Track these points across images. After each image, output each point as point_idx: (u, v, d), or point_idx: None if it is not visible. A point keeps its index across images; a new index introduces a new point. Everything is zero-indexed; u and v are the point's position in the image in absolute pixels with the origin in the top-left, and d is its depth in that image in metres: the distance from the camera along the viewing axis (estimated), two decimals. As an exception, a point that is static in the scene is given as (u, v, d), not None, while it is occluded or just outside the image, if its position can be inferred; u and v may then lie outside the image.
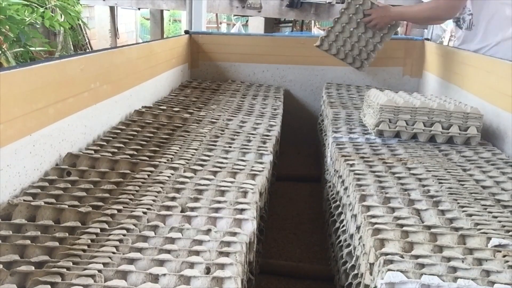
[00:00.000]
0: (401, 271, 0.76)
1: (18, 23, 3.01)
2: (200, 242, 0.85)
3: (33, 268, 0.75)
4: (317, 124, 2.30)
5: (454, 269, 0.79)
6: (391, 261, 0.79)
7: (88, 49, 6.90)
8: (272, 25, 8.40)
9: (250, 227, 0.92)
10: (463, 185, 1.16)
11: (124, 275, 0.74)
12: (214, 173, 1.20)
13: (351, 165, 1.28)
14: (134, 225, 0.90)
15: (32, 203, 0.95)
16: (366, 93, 1.75)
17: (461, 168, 1.29)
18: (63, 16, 3.72)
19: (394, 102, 1.54)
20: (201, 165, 1.24)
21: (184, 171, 1.20)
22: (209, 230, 0.89)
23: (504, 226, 0.93)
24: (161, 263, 0.78)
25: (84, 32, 6.87)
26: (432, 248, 0.85)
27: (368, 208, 1.01)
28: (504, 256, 0.82)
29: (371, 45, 2.31)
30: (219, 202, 1.02)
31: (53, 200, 0.99)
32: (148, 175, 1.16)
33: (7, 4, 3.01)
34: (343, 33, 2.31)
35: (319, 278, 1.48)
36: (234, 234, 0.88)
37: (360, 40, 2.30)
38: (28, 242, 0.82)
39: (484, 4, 1.92)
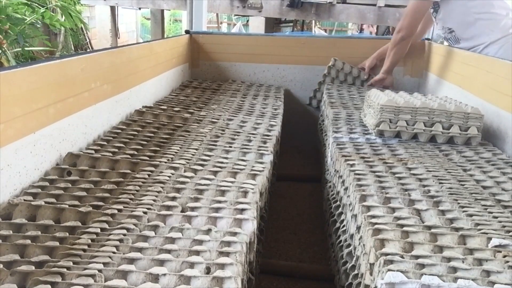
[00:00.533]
0: (401, 271, 0.76)
1: (18, 22, 3.01)
2: (200, 242, 0.85)
3: (33, 267, 0.75)
4: (317, 124, 2.30)
5: (454, 269, 0.79)
6: (391, 261, 0.79)
7: (89, 48, 6.91)
8: (273, 25, 8.41)
9: (250, 227, 0.92)
10: (463, 185, 1.16)
11: (124, 275, 0.74)
12: (215, 173, 1.20)
13: (352, 165, 1.28)
14: (134, 225, 0.90)
15: (33, 203, 0.95)
16: (367, 93, 1.75)
17: (462, 168, 1.28)
18: (63, 16, 3.72)
19: (394, 102, 1.54)
20: (202, 165, 1.24)
21: (185, 171, 1.20)
22: (209, 230, 0.89)
23: (504, 227, 0.93)
24: (161, 263, 0.78)
25: (85, 32, 6.88)
26: (432, 248, 0.85)
27: (369, 208, 1.01)
28: (505, 256, 0.82)
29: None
30: (219, 202, 1.02)
31: (53, 200, 0.99)
32: (149, 175, 1.16)
33: (6, 2, 3.01)
34: (338, 78, 2.47)
35: (319, 278, 1.48)
36: (234, 234, 0.88)
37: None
38: (28, 241, 0.83)
39: (460, 18, 2.05)
